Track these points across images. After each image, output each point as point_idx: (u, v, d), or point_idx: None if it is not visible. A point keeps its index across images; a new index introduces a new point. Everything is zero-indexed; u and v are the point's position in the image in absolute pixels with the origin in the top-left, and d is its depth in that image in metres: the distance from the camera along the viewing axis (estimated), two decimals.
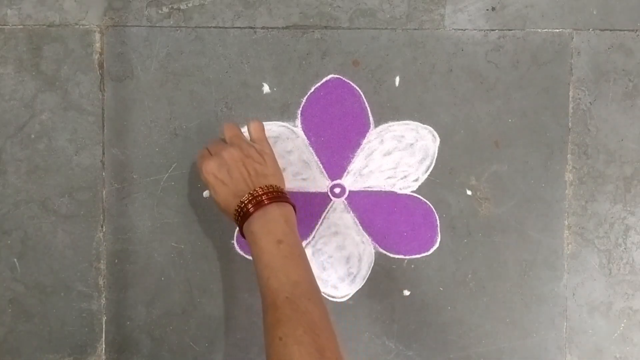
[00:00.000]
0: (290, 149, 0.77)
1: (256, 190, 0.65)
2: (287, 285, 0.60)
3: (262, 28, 0.76)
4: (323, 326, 0.58)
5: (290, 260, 0.62)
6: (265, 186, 0.65)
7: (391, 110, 0.77)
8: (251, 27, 0.76)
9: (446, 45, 0.77)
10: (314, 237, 0.77)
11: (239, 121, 0.76)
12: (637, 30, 0.77)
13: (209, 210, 0.76)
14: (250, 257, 0.76)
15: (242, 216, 0.64)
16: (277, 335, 0.56)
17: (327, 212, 0.77)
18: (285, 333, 0.56)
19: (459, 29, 0.77)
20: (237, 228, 0.67)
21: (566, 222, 0.77)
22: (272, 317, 0.58)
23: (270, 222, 0.63)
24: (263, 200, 0.64)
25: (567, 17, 0.77)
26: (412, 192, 0.77)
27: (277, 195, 0.65)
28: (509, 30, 0.77)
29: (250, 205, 0.64)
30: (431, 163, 0.77)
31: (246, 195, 0.64)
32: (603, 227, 0.77)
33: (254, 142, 0.70)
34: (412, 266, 0.77)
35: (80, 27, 0.76)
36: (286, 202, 0.66)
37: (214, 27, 0.76)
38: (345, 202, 0.77)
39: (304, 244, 0.77)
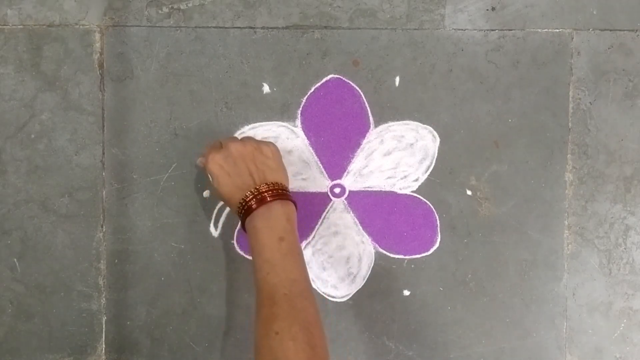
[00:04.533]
0: (290, 149, 0.77)
1: (261, 187, 0.66)
2: (285, 282, 0.61)
3: (262, 28, 0.76)
4: (316, 324, 0.60)
5: (290, 257, 0.64)
6: (270, 183, 0.66)
7: (391, 110, 0.77)
8: (251, 27, 0.76)
9: (446, 45, 0.77)
10: (314, 237, 0.77)
11: (238, 121, 0.76)
12: (637, 30, 0.77)
13: (209, 210, 0.76)
14: (250, 257, 0.76)
15: (245, 210, 0.65)
16: (273, 330, 0.58)
17: (327, 212, 0.77)
18: (281, 328, 0.58)
19: (459, 29, 0.77)
20: (240, 222, 0.68)
21: (566, 222, 0.77)
22: (269, 311, 0.60)
23: (273, 219, 0.65)
24: (266, 197, 0.65)
25: (567, 17, 0.77)
26: (412, 192, 0.77)
27: (281, 192, 0.66)
28: (509, 30, 0.77)
29: (253, 201, 0.65)
30: (431, 163, 0.77)
31: (250, 191, 0.65)
32: (603, 227, 0.77)
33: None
34: (412, 266, 0.77)
35: (80, 27, 0.76)
36: (289, 200, 0.67)
37: (214, 27, 0.76)
38: (345, 202, 0.77)
39: (303, 244, 0.77)
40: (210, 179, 0.68)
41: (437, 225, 0.77)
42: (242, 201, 0.65)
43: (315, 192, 0.77)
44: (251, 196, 0.65)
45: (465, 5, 0.77)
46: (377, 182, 0.77)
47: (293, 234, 0.65)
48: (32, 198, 0.76)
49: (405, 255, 0.77)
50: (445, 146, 0.77)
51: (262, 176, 0.67)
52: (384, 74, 0.77)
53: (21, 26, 0.76)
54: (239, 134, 0.76)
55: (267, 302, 0.60)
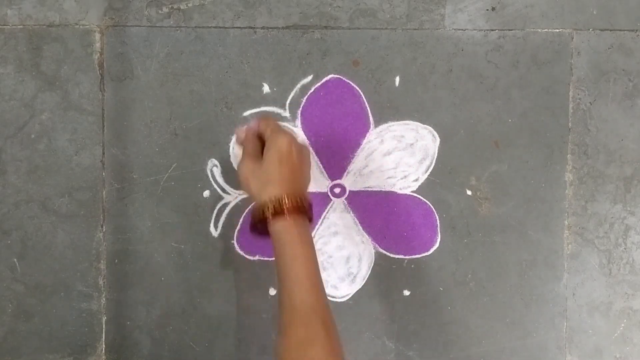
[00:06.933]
0: None
1: (301, 200, 0.63)
2: (326, 308, 0.61)
3: (262, 28, 0.76)
4: (341, 352, 0.59)
5: (321, 281, 0.63)
6: (305, 198, 0.64)
7: (391, 110, 0.77)
8: (251, 27, 0.76)
9: (446, 45, 0.77)
10: (314, 237, 0.77)
11: (238, 121, 0.76)
12: (637, 30, 0.77)
13: (209, 210, 0.76)
14: (249, 257, 0.76)
15: (278, 214, 0.62)
16: (308, 355, 0.57)
17: (327, 212, 0.77)
18: (319, 356, 0.57)
19: (459, 29, 0.77)
20: (255, 215, 0.64)
21: (566, 222, 0.77)
22: (304, 333, 0.58)
23: (309, 236, 0.64)
24: (306, 210, 0.64)
25: (567, 17, 0.77)
26: (412, 192, 0.77)
27: (308, 210, 0.65)
28: (509, 30, 0.77)
29: (291, 208, 0.62)
30: (431, 163, 0.77)
31: (293, 197, 0.62)
32: (603, 227, 0.77)
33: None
34: (412, 266, 0.77)
35: (80, 27, 0.76)
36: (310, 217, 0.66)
37: (214, 27, 0.76)
38: (345, 202, 0.77)
39: None
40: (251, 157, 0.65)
41: (437, 225, 0.77)
42: (278, 200, 0.61)
43: (315, 192, 0.77)
44: (290, 203, 0.62)
45: (465, 5, 0.77)
46: (377, 182, 0.77)
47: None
48: (32, 198, 0.76)
49: (405, 255, 0.77)
50: (445, 146, 0.77)
51: (301, 188, 0.65)
52: (384, 74, 0.77)
53: (21, 26, 0.76)
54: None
55: (301, 321, 0.58)
